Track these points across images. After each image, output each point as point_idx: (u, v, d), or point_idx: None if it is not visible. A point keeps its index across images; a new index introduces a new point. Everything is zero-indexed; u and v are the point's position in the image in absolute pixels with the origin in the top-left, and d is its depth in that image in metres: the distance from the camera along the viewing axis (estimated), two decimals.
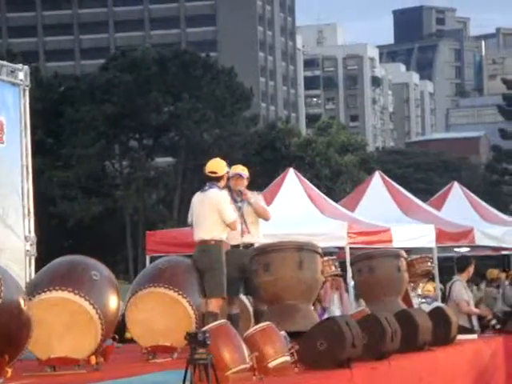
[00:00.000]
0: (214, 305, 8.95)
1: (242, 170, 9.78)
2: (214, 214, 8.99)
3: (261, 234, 9.71)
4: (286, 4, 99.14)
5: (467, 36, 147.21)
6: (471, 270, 11.91)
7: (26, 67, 12.34)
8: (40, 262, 10.49)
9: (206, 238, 9.01)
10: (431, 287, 16.44)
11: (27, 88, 12.25)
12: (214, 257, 8.95)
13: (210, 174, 9.17)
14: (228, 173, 9.22)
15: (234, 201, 9.62)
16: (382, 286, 10.05)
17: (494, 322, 12.31)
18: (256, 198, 9.76)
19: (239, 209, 9.60)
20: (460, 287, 11.70)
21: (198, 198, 9.21)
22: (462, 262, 12.20)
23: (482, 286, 18.53)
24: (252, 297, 9.59)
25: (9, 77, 12.02)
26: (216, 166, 9.20)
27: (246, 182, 9.75)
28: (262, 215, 9.67)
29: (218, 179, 9.15)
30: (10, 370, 7.42)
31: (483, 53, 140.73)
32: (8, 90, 11.96)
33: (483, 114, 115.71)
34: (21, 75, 12.17)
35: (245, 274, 9.33)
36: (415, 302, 12.34)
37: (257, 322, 9.04)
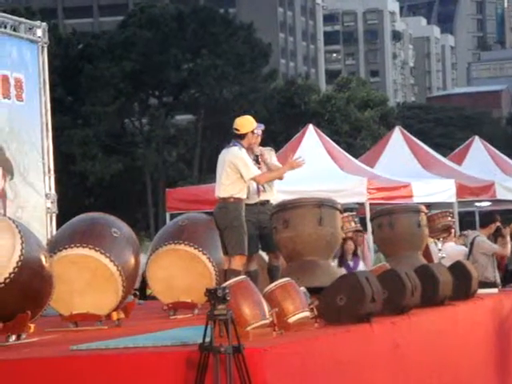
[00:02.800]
0: (237, 262, 8.97)
1: (255, 126, 9.64)
2: (231, 172, 8.98)
3: (275, 191, 9.72)
4: None
5: None
6: (493, 226, 11.86)
7: (44, 24, 12.32)
8: (61, 220, 10.55)
9: (224, 196, 9.01)
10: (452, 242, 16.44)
11: (45, 45, 12.24)
12: (233, 214, 8.96)
13: (234, 131, 9.17)
14: (253, 131, 9.13)
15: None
16: (402, 242, 10.04)
17: None
18: (270, 155, 9.72)
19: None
20: (484, 241, 11.72)
21: (222, 155, 9.20)
22: (485, 218, 12.15)
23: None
24: (268, 253, 9.62)
25: (27, 34, 12.01)
26: (240, 123, 9.17)
27: (259, 139, 9.56)
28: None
29: (241, 137, 9.10)
30: (32, 326, 7.51)
31: (505, 5, 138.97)
32: (26, 48, 11.96)
33: (505, 67, 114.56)
34: (39, 32, 12.16)
35: (262, 230, 9.35)
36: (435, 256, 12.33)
37: (271, 278, 9.08)
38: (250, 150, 9.46)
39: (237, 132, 9.13)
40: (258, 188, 9.50)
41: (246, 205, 9.36)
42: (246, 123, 9.18)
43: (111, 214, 9.31)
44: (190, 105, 54.94)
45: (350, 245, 13.44)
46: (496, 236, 12.15)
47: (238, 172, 8.99)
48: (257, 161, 9.45)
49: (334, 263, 14.04)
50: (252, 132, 9.15)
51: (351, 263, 13.18)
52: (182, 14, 54.54)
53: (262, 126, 9.27)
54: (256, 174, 9.04)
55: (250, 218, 9.17)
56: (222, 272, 9.17)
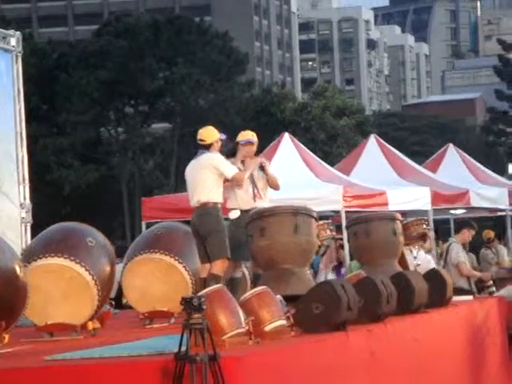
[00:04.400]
0: (219, 267, 8.96)
1: (251, 135, 9.80)
2: (209, 176, 8.99)
3: (268, 199, 9.79)
4: None
5: None
6: (467, 233, 11.89)
7: (17, 33, 12.27)
8: (37, 229, 10.50)
9: (203, 201, 9.00)
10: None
11: (20, 54, 12.19)
12: (215, 219, 8.97)
13: (200, 142, 9.19)
14: (218, 140, 9.18)
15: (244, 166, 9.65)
16: (377, 249, 10.07)
17: (493, 288, 12.30)
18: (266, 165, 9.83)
19: (250, 174, 9.64)
20: (457, 249, 11.71)
21: (190, 166, 9.24)
22: (458, 225, 12.22)
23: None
24: (252, 261, 9.63)
25: (0, 43, 11.96)
26: (205, 134, 9.19)
27: (255, 148, 9.76)
28: (274, 185, 9.80)
29: (208, 147, 9.14)
30: (7, 336, 7.46)
31: (479, 13, 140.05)
32: (0, 57, 11.90)
33: (479, 75, 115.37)
34: (13, 41, 12.11)
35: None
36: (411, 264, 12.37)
37: (255, 286, 9.07)
38: (242, 162, 9.56)
39: (203, 143, 9.15)
40: (253, 193, 9.54)
41: (241, 210, 9.40)
42: (210, 133, 9.22)
43: (87, 223, 9.27)
44: (166, 113, 54.88)
45: (342, 253, 13.57)
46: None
47: (216, 176, 8.99)
48: (262, 169, 9.60)
49: (329, 271, 14.14)
50: (217, 141, 9.18)
51: (343, 270, 13.31)
52: (157, 23, 54.51)
53: (224, 136, 9.32)
54: (236, 171, 9.09)
55: (243, 225, 9.16)
56: (199, 281, 9.15)
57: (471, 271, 11.79)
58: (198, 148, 9.25)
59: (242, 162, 9.63)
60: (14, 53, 12.05)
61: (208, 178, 8.99)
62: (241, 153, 9.62)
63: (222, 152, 9.26)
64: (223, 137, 9.27)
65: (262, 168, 9.65)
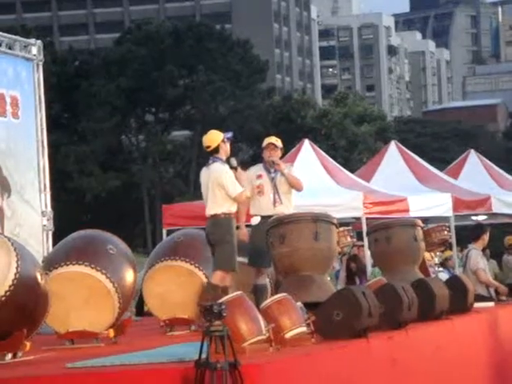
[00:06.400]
0: (218, 277, 8.98)
1: (275, 140, 9.85)
2: (220, 189, 9.01)
3: (292, 204, 9.75)
4: None
5: (483, 2, 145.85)
6: (485, 237, 11.77)
7: (39, 42, 12.34)
8: (58, 237, 10.55)
9: (216, 213, 9.03)
10: (449, 253, 16.43)
11: (41, 63, 12.26)
12: (225, 229, 8.98)
13: (207, 149, 9.19)
14: (224, 140, 9.18)
15: (267, 171, 9.68)
16: (398, 256, 10.04)
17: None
18: (289, 168, 9.83)
19: (272, 179, 9.67)
20: (476, 255, 11.62)
21: (204, 174, 9.26)
22: (475, 231, 12.09)
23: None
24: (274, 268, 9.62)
25: (22, 52, 12.03)
26: (208, 139, 9.17)
27: (279, 153, 9.80)
28: (294, 186, 9.74)
29: (215, 151, 9.12)
30: (28, 344, 7.49)
31: (500, 19, 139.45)
32: (22, 65, 11.98)
33: (500, 81, 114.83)
34: (34, 50, 12.18)
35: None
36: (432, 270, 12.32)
37: (276, 293, 9.06)
38: (268, 163, 9.56)
39: (209, 149, 9.15)
40: (274, 199, 9.53)
41: (262, 216, 9.42)
42: (213, 137, 9.20)
43: (108, 230, 9.30)
44: (186, 121, 55.02)
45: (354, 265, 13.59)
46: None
47: (223, 192, 9.01)
48: (270, 168, 9.61)
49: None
50: (223, 141, 9.17)
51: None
52: (178, 31, 54.70)
53: (229, 134, 9.32)
54: (239, 191, 9.06)
55: (263, 232, 9.16)
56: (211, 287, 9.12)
57: (489, 279, 11.66)
58: (209, 155, 9.26)
59: (269, 165, 9.67)
60: (35, 61, 12.12)
61: (217, 193, 9.03)
62: (264, 157, 9.67)
63: (232, 151, 9.24)
64: (229, 135, 9.26)
65: (271, 164, 9.61)
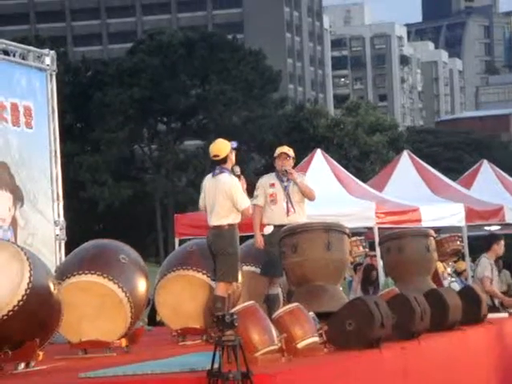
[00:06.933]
0: (222, 289, 8.97)
1: (287, 150, 9.88)
2: (227, 201, 8.99)
3: (306, 214, 9.73)
4: None
5: (496, 12, 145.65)
6: (497, 247, 11.64)
7: (52, 52, 12.39)
8: (71, 246, 10.57)
9: (220, 224, 9.02)
10: (463, 266, 16.36)
11: (54, 73, 12.30)
12: (228, 241, 8.97)
13: (214, 158, 9.14)
14: (231, 151, 9.17)
15: (280, 180, 9.68)
16: (411, 266, 10.02)
17: None
18: (302, 178, 9.85)
19: (285, 188, 9.68)
20: (484, 264, 11.50)
21: (209, 183, 9.18)
22: (486, 241, 11.99)
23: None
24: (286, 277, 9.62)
25: (35, 62, 12.08)
26: (217, 148, 9.13)
27: (292, 162, 9.83)
28: (307, 195, 9.75)
29: (224, 161, 9.10)
30: (41, 353, 7.50)
31: None
32: (35, 76, 12.03)
33: None
34: (47, 60, 12.22)
35: None
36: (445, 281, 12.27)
37: (289, 302, 9.05)
38: (281, 172, 9.58)
39: (218, 158, 9.11)
40: (287, 208, 9.53)
41: (274, 226, 9.42)
42: (222, 147, 9.17)
43: (120, 240, 9.32)
44: (199, 130, 55.09)
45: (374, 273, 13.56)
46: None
47: (232, 203, 8.99)
48: (283, 177, 9.62)
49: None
50: (231, 152, 9.16)
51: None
52: (191, 41, 54.82)
53: (235, 144, 9.31)
54: (247, 205, 9.06)
55: (276, 241, 9.14)
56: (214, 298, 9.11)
57: (494, 289, 11.40)
58: (213, 164, 9.22)
59: (282, 174, 9.68)
60: (48, 71, 12.16)
61: (225, 203, 9.00)
62: (231, 160, 9.50)
63: (237, 161, 9.23)
64: (234, 145, 9.26)
65: (284, 173, 9.63)
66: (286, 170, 9.71)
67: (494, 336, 10.03)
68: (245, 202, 9.04)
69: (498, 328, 10.22)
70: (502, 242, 11.79)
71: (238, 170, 9.18)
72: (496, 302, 11.41)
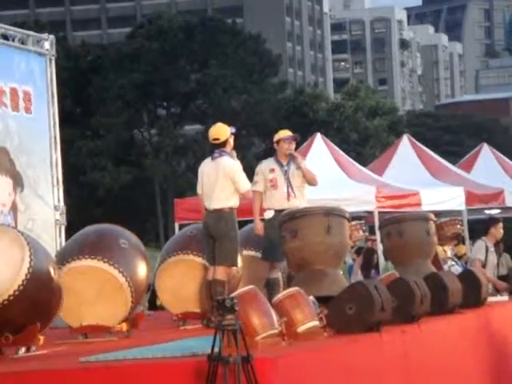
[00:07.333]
0: (222, 272, 8.99)
1: (290, 134, 9.83)
2: (227, 185, 9.01)
3: (306, 199, 9.73)
4: None
5: None
6: (494, 230, 11.58)
7: (51, 37, 12.36)
8: (71, 231, 10.58)
9: (222, 207, 9.03)
10: (463, 250, 16.37)
11: (53, 58, 12.28)
12: (230, 224, 8.99)
13: (214, 141, 9.13)
14: (231, 135, 9.17)
15: (280, 165, 9.67)
16: (411, 250, 10.02)
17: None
18: (304, 163, 9.83)
19: (285, 172, 9.66)
20: (479, 246, 11.46)
21: (209, 167, 9.19)
22: (485, 224, 11.96)
23: None
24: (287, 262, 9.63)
25: (35, 47, 12.06)
26: (217, 132, 9.14)
27: (294, 146, 9.80)
28: (310, 180, 9.75)
29: (223, 144, 9.11)
30: (42, 338, 7.52)
31: None
32: (34, 60, 12.00)
33: None
34: (47, 45, 12.20)
35: None
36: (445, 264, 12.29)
37: (289, 287, 9.07)
38: (282, 155, 9.52)
39: (217, 142, 9.11)
40: (288, 193, 9.53)
41: (275, 210, 9.42)
42: (222, 130, 9.18)
43: (120, 224, 9.32)
44: (199, 115, 55.04)
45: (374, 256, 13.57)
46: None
47: (234, 186, 8.99)
48: (283, 161, 9.60)
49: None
50: (230, 136, 9.16)
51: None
52: (190, 25, 54.70)
53: (234, 129, 9.31)
54: (248, 188, 9.07)
55: (276, 225, 9.16)
56: (208, 283, 9.13)
57: (485, 272, 11.37)
58: (213, 148, 9.21)
59: (284, 158, 9.65)
60: (47, 56, 12.14)
61: (227, 186, 9.02)
62: (281, 150, 9.63)
63: (235, 145, 9.23)
64: (233, 130, 9.25)
65: (293, 159, 9.61)
66: (292, 154, 9.69)
67: (493, 318, 10.05)
68: (246, 184, 9.05)
69: (498, 311, 10.24)
70: (500, 225, 11.77)
71: (234, 154, 9.19)
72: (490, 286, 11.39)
